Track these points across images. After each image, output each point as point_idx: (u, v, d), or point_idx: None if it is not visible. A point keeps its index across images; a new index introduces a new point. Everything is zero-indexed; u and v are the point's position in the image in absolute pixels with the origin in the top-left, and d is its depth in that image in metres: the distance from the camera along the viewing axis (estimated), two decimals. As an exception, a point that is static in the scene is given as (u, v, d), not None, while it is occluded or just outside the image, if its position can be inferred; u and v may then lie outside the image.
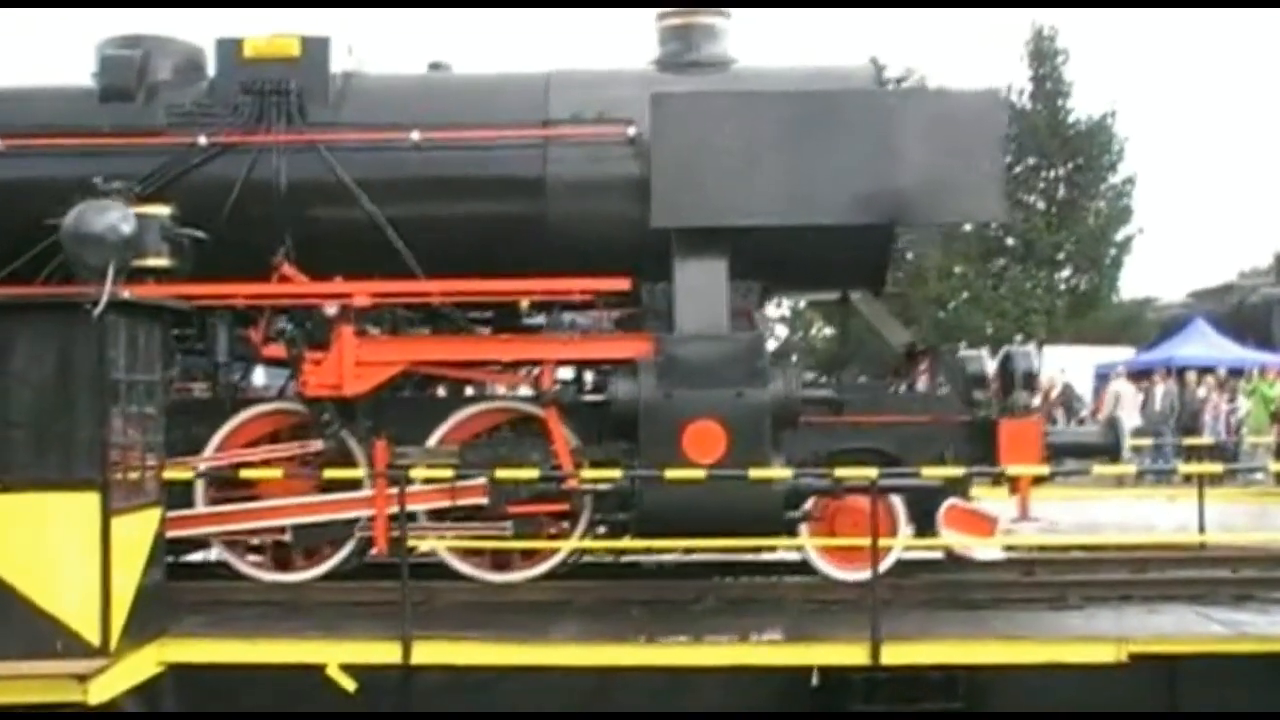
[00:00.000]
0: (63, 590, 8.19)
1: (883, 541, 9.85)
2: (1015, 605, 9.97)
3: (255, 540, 10.57)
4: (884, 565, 10.12)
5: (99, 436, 8.32)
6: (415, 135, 10.32)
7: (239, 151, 10.45)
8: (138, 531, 8.74)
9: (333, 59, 10.76)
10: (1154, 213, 52.46)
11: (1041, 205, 37.26)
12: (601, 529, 10.45)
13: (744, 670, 8.93)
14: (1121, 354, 30.22)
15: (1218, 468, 13.92)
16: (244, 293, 10.02)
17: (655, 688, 9.09)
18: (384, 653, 8.89)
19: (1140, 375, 26.39)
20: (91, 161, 10.04)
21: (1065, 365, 26.56)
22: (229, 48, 10.71)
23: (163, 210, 9.87)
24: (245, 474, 10.19)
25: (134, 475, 8.77)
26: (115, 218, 8.75)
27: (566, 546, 10.36)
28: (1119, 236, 36.90)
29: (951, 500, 10.14)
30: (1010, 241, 36.98)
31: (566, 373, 11.17)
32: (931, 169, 9.86)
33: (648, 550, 10.93)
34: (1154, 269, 55.94)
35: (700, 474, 9.40)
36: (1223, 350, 28.00)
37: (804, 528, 10.28)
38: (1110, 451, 10.89)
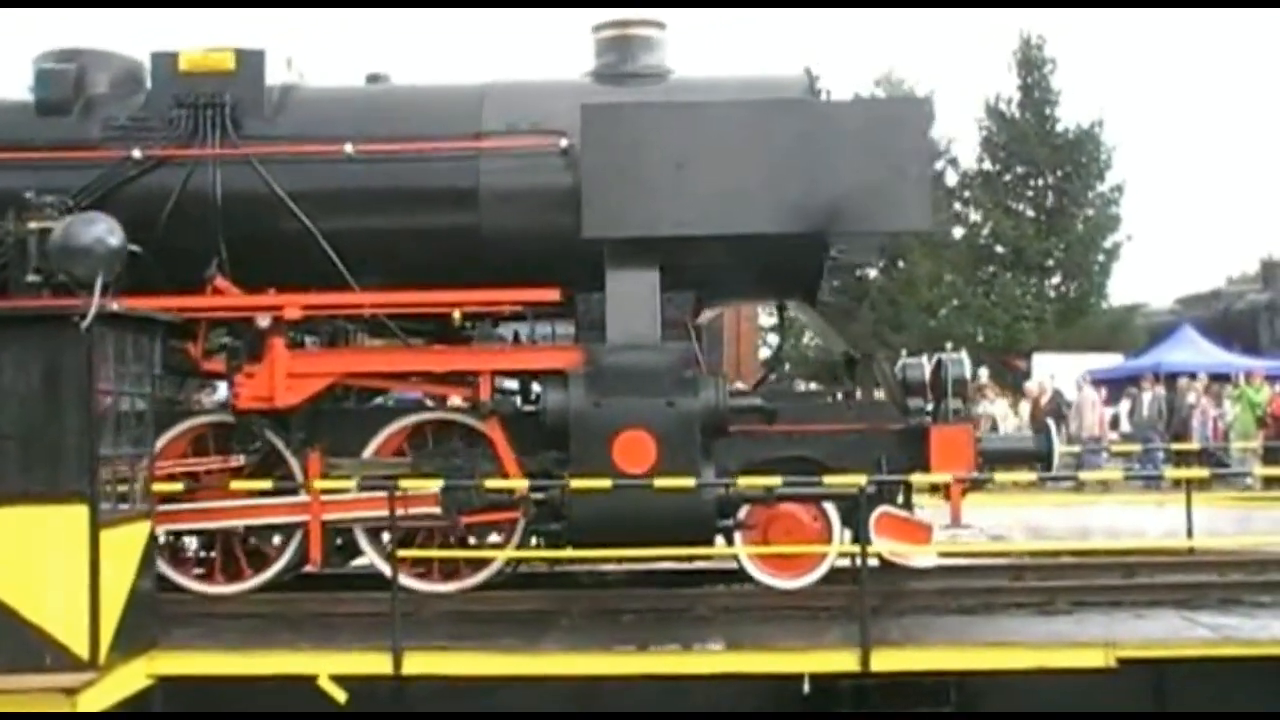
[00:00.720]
0: (51, 603, 8.19)
1: (817, 548, 10.14)
2: (1004, 610, 9.99)
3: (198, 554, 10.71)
4: (819, 573, 10.30)
5: (87, 449, 8.32)
6: (349, 148, 10.34)
7: (174, 165, 10.45)
8: (127, 544, 8.74)
9: (269, 72, 10.79)
10: (1142, 219, 52.61)
11: (1030, 213, 37.38)
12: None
13: (735, 679, 8.94)
14: (1110, 360, 30.31)
15: (1205, 473, 13.95)
16: (173, 306, 9.95)
17: (646, 697, 9.09)
18: (375, 664, 8.88)
19: (1126, 382, 26.47)
20: (28, 175, 10.02)
21: (1055, 372, 26.63)
22: (165, 61, 10.69)
23: None
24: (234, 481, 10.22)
25: (123, 487, 8.76)
26: (103, 230, 8.75)
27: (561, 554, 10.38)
28: (1107, 244, 37.02)
29: (882, 508, 10.21)
30: (1000, 249, 37.08)
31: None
32: (859, 178, 9.95)
33: (591, 560, 10.96)
34: (1142, 275, 56.05)
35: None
36: (1210, 356, 28.08)
37: (738, 536, 10.32)
38: (1042, 458, 10.99)
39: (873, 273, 41.41)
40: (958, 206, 39.43)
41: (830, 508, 10.36)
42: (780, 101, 10.37)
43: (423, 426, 10.64)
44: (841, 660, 8.77)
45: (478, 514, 10.30)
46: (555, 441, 9.90)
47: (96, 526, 8.27)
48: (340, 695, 8.82)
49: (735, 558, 10.44)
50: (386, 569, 10.07)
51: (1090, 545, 12.18)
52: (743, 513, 10.24)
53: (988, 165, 38.46)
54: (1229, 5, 56.66)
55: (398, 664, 8.83)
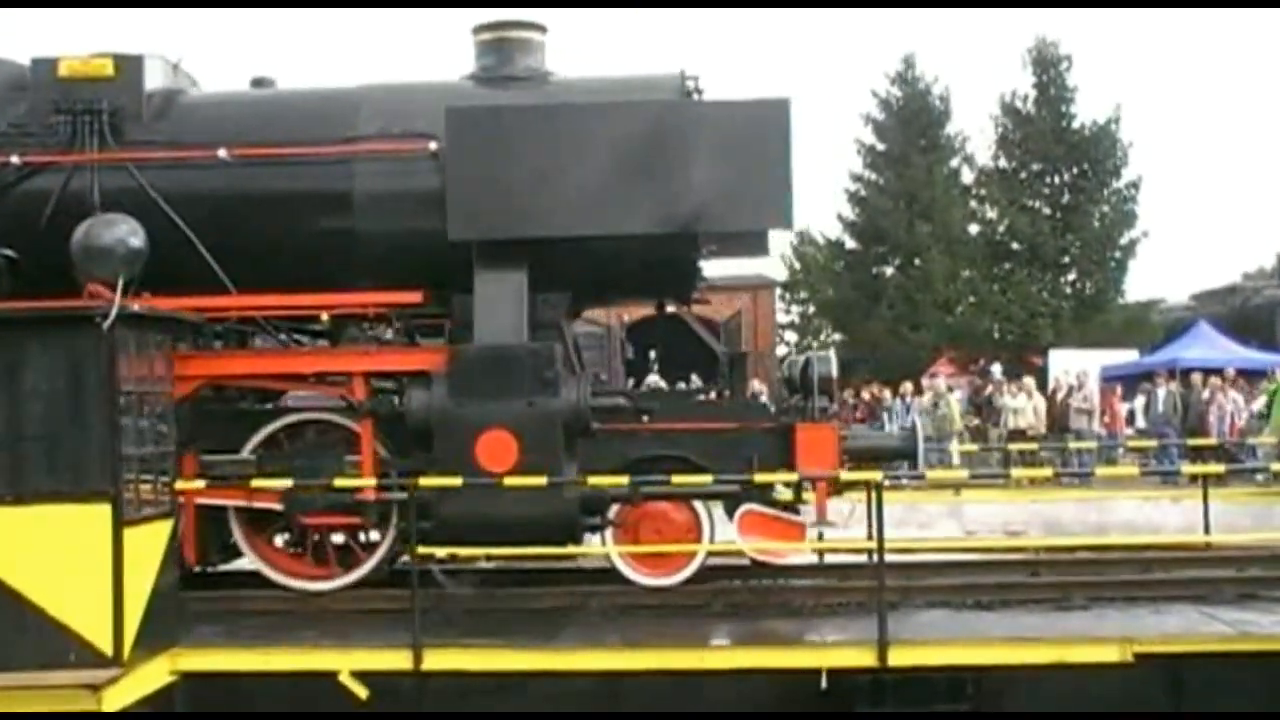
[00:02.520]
0: (75, 601, 8.26)
1: (686, 546, 10.26)
2: (1021, 606, 10.01)
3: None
4: (689, 570, 10.39)
5: (110, 448, 8.40)
6: (223, 153, 10.45)
7: (53, 171, 10.52)
8: (150, 542, 8.81)
9: (150, 77, 10.89)
10: (1158, 214, 52.37)
11: (1047, 210, 37.31)
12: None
13: (752, 674, 8.98)
14: (1126, 357, 30.25)
15: (1221, 468, 13.94)
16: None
17: (664, 692, 9.12)
18: (395, 660, 8.95)
19: (1142, 378, 26.43)
20: None
21: (1071, 369, 26.57)
22: (45, 68, 10.78)
23: None
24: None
25: (145, 486, 8.83)
26: (124, 231, 8.84)
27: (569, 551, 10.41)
28: (1123, 240, 36.94)
29: (747, 505, 10.26)
30: (1016, 246, 37.02)
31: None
32: (720, 178, 10.01)
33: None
34: (1158, 270, 55.95)
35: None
36: (1227, 351, 27.99)
37: (609, 534, 10.40)
38: (907, 455, 11.11)
39: (889, 270, 41.82)
40: (973, 204, 39.39)
41: (700, 506, 10.44)
42: (640, 103, 10.41)
43: (305, 426, 10.75)
44: (859, 656, 8.79)
45: (322, 515, 10.38)
46: (421, 441, 10.00)
47: (120, 525, 8.34)
48: (361, 691, 8.87)
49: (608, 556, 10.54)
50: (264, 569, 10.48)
51: (1107, 540, 12.18)
52: (613, 511, 10.31)
53: (1003, 162, 38.40)
54: (1244, 5, 56.41)
55: (418, 660, 8.90)
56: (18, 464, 8.43)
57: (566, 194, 10.02)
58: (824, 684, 8.87)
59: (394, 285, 10.19)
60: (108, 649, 8.27)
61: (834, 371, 11.03)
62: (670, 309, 11.98)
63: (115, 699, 8.20)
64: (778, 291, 51.85)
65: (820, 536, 10.78)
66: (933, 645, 8.94)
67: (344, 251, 10.37)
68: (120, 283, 8.51)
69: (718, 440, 10.45)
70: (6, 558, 8.26)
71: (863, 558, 10.95)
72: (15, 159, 10.53)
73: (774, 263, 58.31)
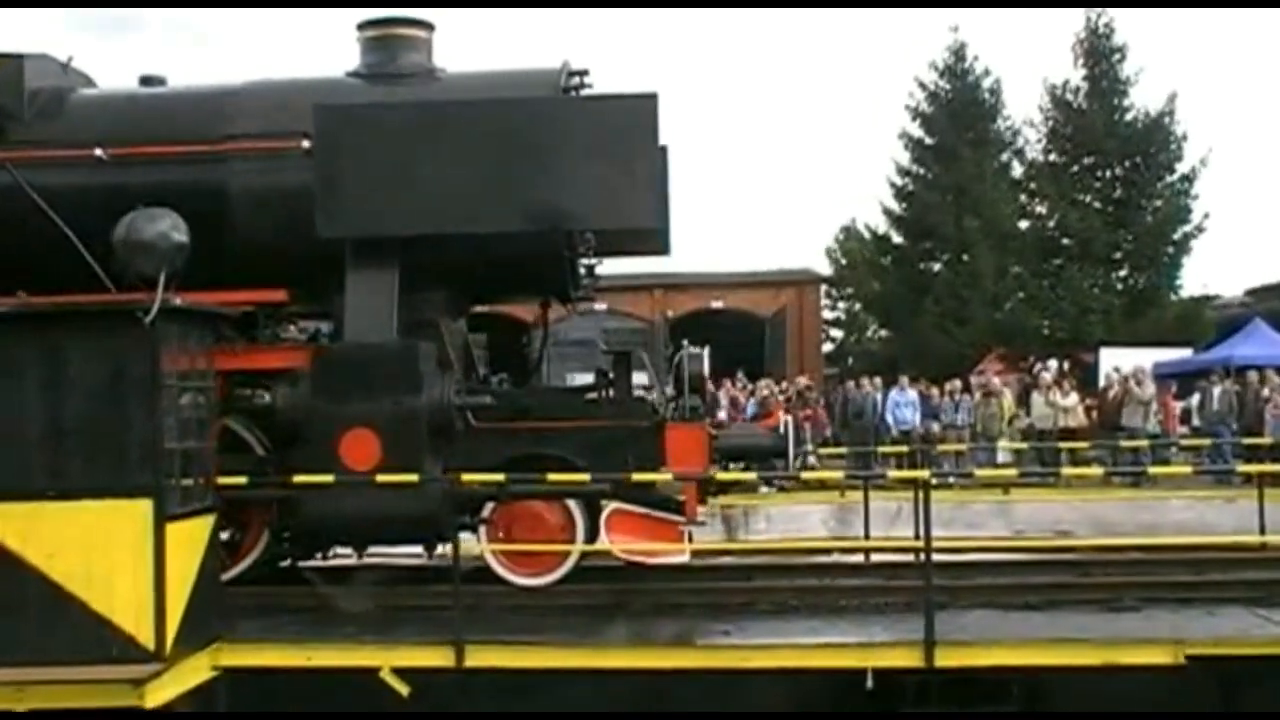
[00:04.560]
0: (118, 596, 8.28)
1: (560, 546, 10.23)
2: (1071, 607, 9.85)
3: None
4: (562, 570, 10.34)
5: (152, 443, 8.40)
6: (99, 152, 10.51)
7: None
8: (192, 537, 8.82)
9: (35, 76, 10.97)
10: (1213, 207, 51.70)
11: (1098, 204, 36.90)
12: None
13: (798, 673, 8.88)
14: (1180, 354, 29.90)
15: (1278, 468, 13.69)
16: None
17: (708, 690, 9.04)
18: (437, 657, 8.92)
19: (1196, 375, 26.11)
20: None
21: (1123, 366, 26.30)
22: None
23: None
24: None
25: (187, 481, 8.84)
26: (166, 225, 8.85)
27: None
28: (1177, 235, 36.49)
29: (614, 505, 10.17)
30: (1067, 241, 36.65)
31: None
32: (586, 176, 9.94)
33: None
34: (1213, 265, 55.04)
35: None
36: (1284, 349, 27.62)
37: (482, 532, 10.34)
38: (777, 454, 11.08)
39: (936, 266, 41.57)
40: (1023, 199, 39.04)
41: (574, 505, 10.36)
42: (505, 100, 10.37)
43: None
44: (906, 656, 8.68)
45: None
46: (290, 440, 9.96)
47: (162, 520, 8.35)
48: (403, 688, 8.85)
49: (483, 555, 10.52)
50: None
51: (1159, 540, 11.99)
52: (487, 510, 10.27)
53: (1054, 156, 38.02)
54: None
55: (460, 657, 8.86)
56: (61, 459, 8.44)
57: (433, 191, 9.99)
58: (870, 684, 8.77)
59: (270, 283, 10.09)
60: (150, 644, 8.28)
61: (705, 369, 11.03)
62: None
63: (157, 694, 8.20)
64: (823, 287, 51.71)
65: (690, 537, 10.64)
66: (980, 646, 8.81)
67: (219, 249, 10.25)
68: (162, 277, 8.49)
69: (593, 439, 10.39)
70: (50, 552, 8.27)
71: (910, 557, 10.84)
72: None
73: (819, 258, 58.34)
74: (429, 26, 11.22)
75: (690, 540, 10.63)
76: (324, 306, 10.66)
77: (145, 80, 11.71)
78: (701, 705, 9.17)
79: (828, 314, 54.36)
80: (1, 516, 8.31)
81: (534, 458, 10.26)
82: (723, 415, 26.15)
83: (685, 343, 11.48)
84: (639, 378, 11.15)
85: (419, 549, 11.00)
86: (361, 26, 11.17)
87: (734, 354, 40.05)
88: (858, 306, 53.20)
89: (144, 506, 8.32)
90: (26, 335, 8.51)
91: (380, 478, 9.58)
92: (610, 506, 10.18)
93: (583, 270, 11.34)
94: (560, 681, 9.00)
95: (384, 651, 9.00)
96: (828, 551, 12.70)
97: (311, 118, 10.15)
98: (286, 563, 11.08)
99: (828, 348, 53.35)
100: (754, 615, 9.91)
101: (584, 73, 10.95)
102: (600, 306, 47.73)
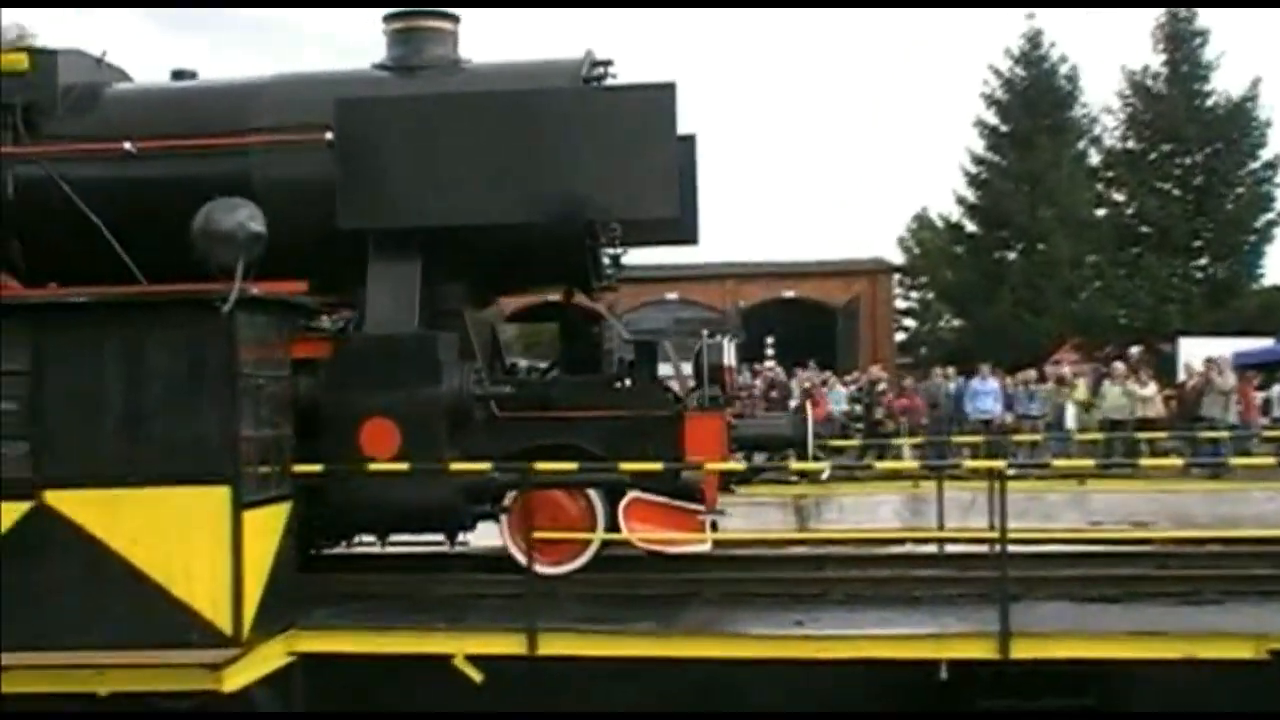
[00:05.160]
0: (196, 582, 8.38)
1: (581, 535, 10.17)
2: (1149, 600, 9.69)
3: None
4: (584, 559, 10.28)
5: (229, 431, 8.49)
6: (128, 145, 10.64)
7: None
8: (268, 525, 8.92)
9: (68, 71, 11.13)
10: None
11: (1178, 192, 36.36)
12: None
13: (871, 664, 8.83)
14: (1261, 344, 29.38)
15: (1363, 459, 13.40)
16: None
17: (779, 680, 9.01)
18: (510, 644, 8.96)
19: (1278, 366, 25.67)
20: None
21: (1202, 355, 25.89)
22: None
23: None
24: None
25: (264, 469, 8.93)
26: (244, 215, 8.93)
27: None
28: (1259, 223, 35.87)
29: (633, 494, 10.10)
30: (1145, 229, 36.15)
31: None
32: (603, 166, 9.90)
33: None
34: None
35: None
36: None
37: (504, 521, 10.33)
38: (796, 444, 10.98)
39: (1011, 255, 41.31)
40: (1100, 186, 38.55)
41: (594, 494, 10.33)
42: (524, 92, 10.32)
43: None
44: (980, 647, 8.60)
45: None
46: (311, 430, 9.95)
47: (239, 507, 8.44)
48: (476, 675, 8.90)
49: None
50: None
51: (1240, 533, 11.78)
52: (508, 499, 10.26)
53: (1132, 144, 37.49)
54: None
55: (532, 645, 8.90)
56: (141, 446, 8.56)
57: (452, 183, 10.01)
58: (944, 675, 8.70)
59: (292, 274, 10.01)
60: (228, 629, 8.38)
61: (726, 360, 10.97)
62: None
63: (234, 678, 8.32)
64: (896, 276, 51.38)
65: (714, 526, 10.60)
66: (1056, 638, 8.70)
67: None
68: (240, 267, 8.58)
69: (612, 428, 10.36)
70: (130, 538, 8.40)
71: (984, 548, 10.74)
72: None
73: (892, 247, 57.92)
74: (454, 19, 11.26)
75: (715, 529, 10.65)
76: (345, 298, 10.71)
77: (177, 74, 11.89)
78: (772, 695, 9.14)
79: (900, 303, 54.02)
80: (85, 503, 8.44)
81: (556, 447, 10.26)
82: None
83: (705, 332, 11.42)
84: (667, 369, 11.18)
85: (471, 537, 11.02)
86: (387, 19, 11.26)
87: (806, 344, 39.99)
88: (931, 296, 52.78)
89: (221, 494, 8.41)
90: (107, 324, 8.64)
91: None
92: (629, 495, 10.17)
93: (606, 260, 11.36)
94: (631, 670, 9.01)
95: (457, 638, 9.04)
96: (901, 542, 12.61)
97: (334, 110, 10.25)
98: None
99: (900, 337, 53.00)
100: (826, 605, 9.85)
101: (607, 63, 10.95)
102: (672, 296, 47.90)
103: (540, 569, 10.13)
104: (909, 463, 9.93)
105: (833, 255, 50.32)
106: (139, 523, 8.42)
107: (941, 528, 12.44)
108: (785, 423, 11.98)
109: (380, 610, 9.82)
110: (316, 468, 9.51)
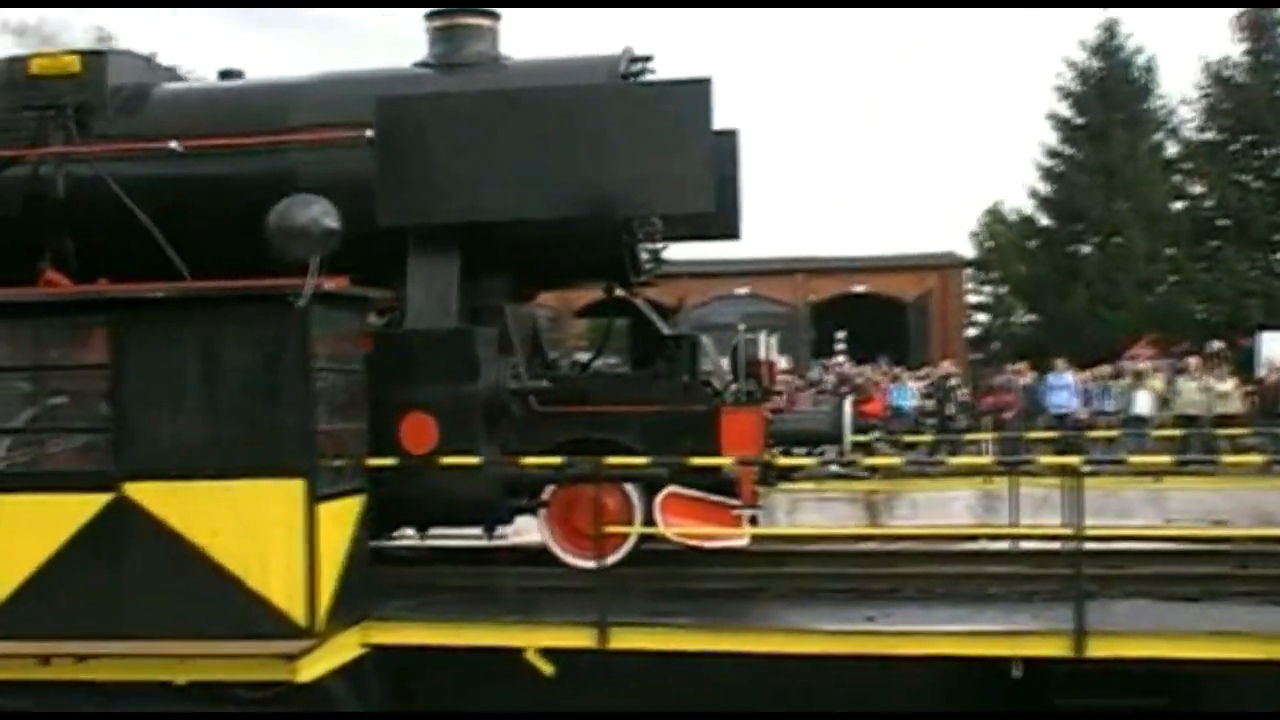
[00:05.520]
0: (272, 574, 8.48)
1: (623, 529, 10.15)
2: (1229, 599, 9.53)
3: None
4: (620, 553, 10.20)
5: (304, 424, 8.58)
6: (174, 144, 10.82)
7: (22, 165, 11.08)
8: (342, 517, 9.00)
9: (118, 72, 11.39)
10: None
11: (1258, 184, 35.75)
12: None
13: (944, 660, 8.76)
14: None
15: None
16: None
17: (848, 675, 8.95)
18: (581, 638, 8.98)
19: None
20: None
21: (1284, 351, 25.47)
22: (18, 66, 11.44)
23: None
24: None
25: (338, 462, 9.01)
26: (318, 211, 9.02)
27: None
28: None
29: (670, 489, 10.04)
30: (1224, 222, 35.58)
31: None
32: (639, 162, 9.89)
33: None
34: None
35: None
36: None
37: (542, 514, 10.40)
38: (833, 439, 11.00)
39: (1086, 248, 40.86)
40: (1177, 179, 38.00)
41: (631, 488, 10.31)
42: (558, 88, 10.37)
43: None
44: (1055, 645, 8.50)
45: None
46: None
47: (314, 500, 8.52)
48: (547, 668, 8.93)
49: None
50: None
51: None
52: (546, 493, 10.33)
53: (1211, 135, 36.91)
54: None
55: (603, 638, 8.91)
56: (217, 439, 8.68)
57: (489, 179, 10.06)
58: (1017, 673, 8.62)
59: (335, 270, 10.11)
60: (302, 621, 8.47)
61: (762, 355, 10.97)
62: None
63: (309, 669, 8.42)
64: (967, 271, 50.95)
65: (754, 521, 10.61)
66: (1134, 637, 8.58)
67: None
68: (314, 262, 8.67)
69: (649, 423, 10.39)
70: (207, 530, 8.52)
71: (1058, 545, 10.62)
72: None
73: (964, 241, 57.44)
74: (495, 16, 11.35)
75: (755, 523, 10.68)
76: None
77: (225, 74, 12.10)
78: (840, 690, 9.09)
79: (972, 298, 53.54)
80: (163, 495, 8.57)
81: (593, 441, 10.32)
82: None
83: (741, 327, 11.45)
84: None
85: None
86: (429, 17, 11.36)
87: (877, 338, 39.77)
88: (1003, 290, 52.28)
89: (296, 487, 8.50)
90: (184, 319, 8.77)
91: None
92: (666, 490, 10.18)
93: (646, 255, 11.36)
94: (701, 664, 9.00)
95: (529, 631, 9.09)
96: (974, 538, 12.50)
97: (374, 108, 10.36)
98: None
99: (972, 332, 52.56)
100: (898, 601, 9.79)
101: (646, 59, 11.01)
102: (742, 291, 47.80)
103: (578, 562, 10.32)
104: (981, 458, 9.81)
105: (904, 250, 50.04)
106: (215, 515, 8.53)
107: (1015, 524, 12.32)
108: (822, 418, 11.96)
109: (451, 602, 9.88)
110: (390, 461, 9.59)
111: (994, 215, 55.47)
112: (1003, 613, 9.29)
